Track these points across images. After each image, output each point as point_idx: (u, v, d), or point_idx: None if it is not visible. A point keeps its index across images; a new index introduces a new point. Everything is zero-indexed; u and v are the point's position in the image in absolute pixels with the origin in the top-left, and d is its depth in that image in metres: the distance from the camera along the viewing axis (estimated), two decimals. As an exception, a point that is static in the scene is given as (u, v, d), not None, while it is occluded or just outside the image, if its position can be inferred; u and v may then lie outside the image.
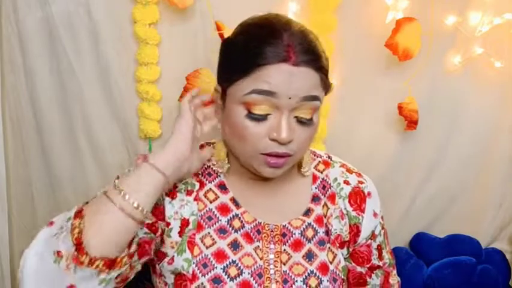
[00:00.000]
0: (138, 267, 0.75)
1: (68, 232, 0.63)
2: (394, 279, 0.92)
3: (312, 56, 0.70)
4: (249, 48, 0.70)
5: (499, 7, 1.18)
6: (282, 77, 0.68)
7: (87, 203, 0.70)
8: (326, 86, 0.74)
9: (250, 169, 0.77)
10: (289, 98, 0.69)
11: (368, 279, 0.89)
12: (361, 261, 0.87)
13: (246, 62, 0.70)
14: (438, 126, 1.27)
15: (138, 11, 1.10)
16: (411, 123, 1.19)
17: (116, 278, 0.67)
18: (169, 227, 0.77)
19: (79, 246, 0.62)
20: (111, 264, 0.65)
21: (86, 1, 1.10)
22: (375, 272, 0.89)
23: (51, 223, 0.68)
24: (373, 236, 0.87)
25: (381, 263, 0.89)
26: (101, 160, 1.21)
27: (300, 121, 0.72)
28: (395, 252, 1.32)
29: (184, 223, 0.78)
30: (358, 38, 1.18)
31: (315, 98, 0.71)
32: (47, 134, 1.18)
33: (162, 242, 0.78)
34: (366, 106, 1.23)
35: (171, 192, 0.78)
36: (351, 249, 0.86)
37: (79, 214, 0.66)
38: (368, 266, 0.87)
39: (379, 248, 0.88)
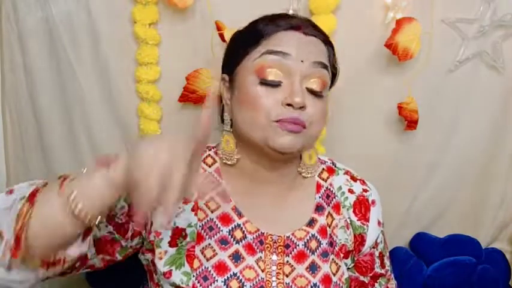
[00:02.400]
0: (96, 262, 0.73)
1: (14, 217, 0.59)
2: (393, 284, 0.92)
3: (318, 31, 0.76)
4: (260, 23, 0.76)
5: (499, 7, 1.18)
6: (293, 41, 0.72)
7: (45, 184, 0.66)
8: (333, 65, 0.78)
9: (264, 146, 0.73)
10: (302, 61, 0.71)
11: None
12: (364, 270, 0.86)
13: (257, 33, 0.74)
14: (438, 126, 1.27)
15: (138, 11, 1.10)
16: (411, 123, 1.19)
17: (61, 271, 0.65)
18: (160, 237, 0.76)
19: (17, 240, 0.59)
20: (49, 264, 0.62)
21: (86, 1, 1.10)
22: (378, 281, 0.88)
23: (11, 191, 0.65)
24: (375, 244, 0.86)
25: (383, 271, 0.88)
26: (101, 160, 1.21)
27: (311, 92, 0.73)
28: (396, 252, 1.32)
29: (178, 232, 0.76)
30: (358, 38, 1.18)
31: (325, 66, 0.74)
32: (47, 134, 1.19)
33: (153, 252, 0.76)
34: (366, 106, 1.23)
35: None
36: (355, 258, 0.85)
37: (32, 198, 0.61)
38: (371, 274, 0.87)
39: (381, 256, 0.88)
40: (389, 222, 1.30)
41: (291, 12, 1.12)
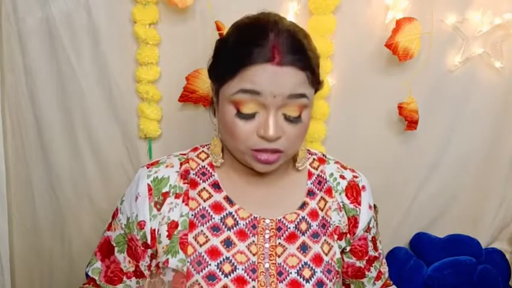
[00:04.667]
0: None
1: None
2: (385, 268, 0.97)
3: (297, 56, 0.71)
4: (237, 49, 0.73)
5: (499, 7, 1.18)
6: (266, 76, 0.70)
7: None
8: (315, 83, 0.76)
9: (245, 163, 0.78)
10: (274, 97, 0.71)
11: (366, 273, 0.92)
12: (360, 255, 0.89)
13: (233, 64, 0.72)
14: (438, 126, 1.27)
15: (138, 11, 1.10)
16: (411, 123, 1.19)
17: None
18: (158, 233, 0.79)
19: None
20: None
21: (86, 1, 1.11)
22: (373, 264, 0.92)
23: None
24: (368, 228, 0.89)
25: (376, 254, 0.93)
26: (100, 160, 1.22)
27: (288, 119, 0.74)
28: (396, 252, 1.32)
29: (173, 225, 0.79)
30: (358, 38, 1.18)
31: (302, 95, 0.73)
32: (47, 134, 1.19)
33: (157, 252, 0.80)
34: (366, 106, 1.23)
35: (157, 204, 0.79)
36: (351, 242, 0.88)
37: None
38: (366, 258, 0.90)
39: (374, 240, 0.92)
40: (389, 222, 1.31)
41: (291, 14, 1.12)
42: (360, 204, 0.87)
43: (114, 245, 0.83)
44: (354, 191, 0.87)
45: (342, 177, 0.88)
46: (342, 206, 0.86)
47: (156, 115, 1.17)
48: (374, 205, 0.92)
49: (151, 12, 1.10)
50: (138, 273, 0.83)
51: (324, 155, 0.92)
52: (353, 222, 0.86)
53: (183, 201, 0.80)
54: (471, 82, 1.24)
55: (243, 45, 0.72)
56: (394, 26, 1.12)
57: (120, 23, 1.13)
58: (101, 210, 1.25)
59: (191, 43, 1.15)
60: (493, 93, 1.25)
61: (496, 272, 1.34)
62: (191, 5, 1.09)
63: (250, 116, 0.73)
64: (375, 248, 0.92)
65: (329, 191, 0.86)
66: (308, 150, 0.91)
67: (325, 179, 0.87)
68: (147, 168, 0.83)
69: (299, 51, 0.72)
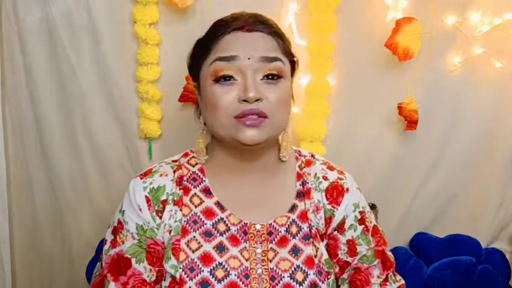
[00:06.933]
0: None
1: None
2: (377, 281, 0.85)
3: (265, 25, 0.78)
4: (210, 32, 0.80)
5: (499, 7, 1.18)
6: (238, 42, 0.76)
7: None
8: (287, 53, 0.79)
9: (231, 141, 0.77)
10: (249, 59, 0.74)
11: (340, 277, 0.87)
12: (329, 255, 0.85)
13: (207, 41, 0.78)
14: (438, 126, 1.27)
15: (138, 11, 1.10)
16: (411, 123, 1.19)
17: None
18: (163, 240, 0.80)
19: None
20: None
21: (86, 1, 1.11)
22: (346, 271, 0.86)
23: None
24: (340, 229, 0.85)
25: (349, 259, 0.85)
26: (100, 160, 1.22)
27: (268, 78, 0.75)
28: (396, 252, 1.32)
29: (170, 231, 0.79)
30: (358, 38, 1.18)
31: (275, 59, 0.76)
32: (47, 134, 1.19)
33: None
34: (366, 106, 1.23)
35: (158, 212, 0.79)
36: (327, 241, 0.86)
37: None
38: (335, 260, 0.85)
39: (351, 243, 0.85)
40: (389, 222, 1.31)
41: (291, 13, 1.12)
42: (338, 205, 0.85)
43: (130, 256, 0.78)
44: (335, 191, 0.85)
45: (325, 178, 0.87)
46: (321, 206, 0.84)
47: (156, 115, 1.17)
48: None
49: (151, 12, 1.10)
50: (158, 279, 0.80)
51: (313, 156, 0.91)
52: (329, 222, 0.84)
53: (178, 207, 0.80)
54: (471, 82, 1.24)
55: (214, 29, 0.79)
56: (394, 26, 1.12)
57: (120, 23, 1.13)
58: (101, 210, 1.25)
59: (191, 43, 1.14)
60: (492, 93, 1.26)
61: (496, 272, 1.34)
62: (191, 5, 1.10)
63: (228, 80, 0.74)
64: (351, 253, 0.84)
65: (308, 193, 0.85)
66: (299, 151, 0.90)
67: (306, 180, 0.86)
68: (141, 179, 0.81)
69: (268, 24, 0.78)
